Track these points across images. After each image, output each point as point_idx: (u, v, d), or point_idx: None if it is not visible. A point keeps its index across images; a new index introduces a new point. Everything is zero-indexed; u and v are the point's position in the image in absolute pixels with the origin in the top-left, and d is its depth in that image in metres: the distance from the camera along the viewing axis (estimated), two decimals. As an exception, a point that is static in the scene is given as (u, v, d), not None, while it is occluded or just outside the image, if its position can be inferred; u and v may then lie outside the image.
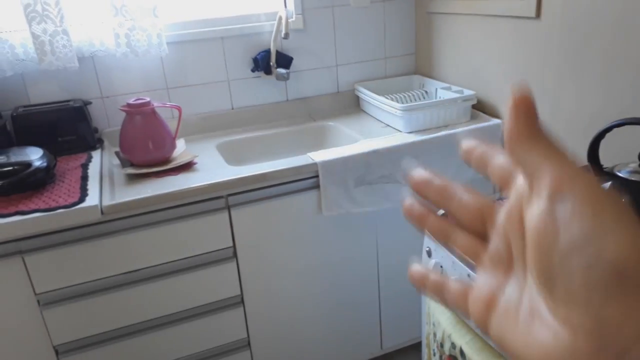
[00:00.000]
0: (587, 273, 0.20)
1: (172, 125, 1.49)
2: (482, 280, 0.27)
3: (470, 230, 0.30)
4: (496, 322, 0.25)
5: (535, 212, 0.23)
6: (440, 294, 0.30)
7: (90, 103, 1.59)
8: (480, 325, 0.27)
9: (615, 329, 0.19)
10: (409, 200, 0.33)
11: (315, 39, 1.83)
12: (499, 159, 0.28)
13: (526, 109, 0.25)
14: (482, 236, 0.29)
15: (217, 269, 1.40)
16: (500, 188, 0.28)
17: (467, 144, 0.30)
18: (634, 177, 0.85)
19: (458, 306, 0.29)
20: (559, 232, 0.21)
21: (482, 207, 0.29)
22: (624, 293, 0.19)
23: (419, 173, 0.32)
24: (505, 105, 1.59)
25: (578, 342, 0.20)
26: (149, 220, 1.29)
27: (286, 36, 1.59)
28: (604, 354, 0.19)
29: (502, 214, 0.27)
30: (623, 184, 0.85)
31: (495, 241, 0.27)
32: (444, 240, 0.31)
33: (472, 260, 0.29)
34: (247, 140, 1.72)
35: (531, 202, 0.24)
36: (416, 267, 0.32)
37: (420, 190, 0.32)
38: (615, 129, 0.85)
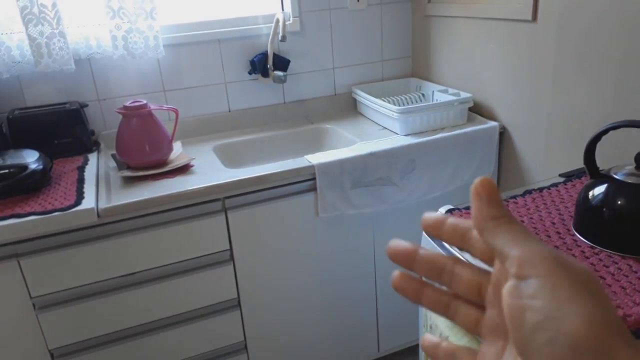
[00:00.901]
0: (551, 348, 0.22)
1: (168, 127, 1.49)
2: (484, 349, 0.29)
3: (466, 301, 0.31)
4: None
5: (506, 291, 0.25)
6: (446, 311, 0.32)
7: (86, 105, 1.58)
8: None
9: None
10: (398, 274, 0.33)
11: (312, 41, 1.83)
12: (476, 234, 0.29)
13: (488, 193, 0.27)
14: (480, 306, 0.30)
15: (214, 271, 1.40)
16: (484, 261, 0.29)
17: (429, 218, 0.31)
18: (630, 180, 0.85)
19: (468, 330, 0.31)
20: (525, 310, 0.23)
21: (477, 278, 0.30)
22: None
23: (398, 245, 0.32)
24: (502, 105, 1.60)
25: None
26: (145, 223, 1.29)
27: (283, 39, 1.59)
28: None
29: (490, 287, 0.29)
30: (619, 187, 0.85)
31: (490, 311, 0.29)
32: (443, 312, 0.32)
33: (472, 332, 0.30)
34: (244, 143, 1.71)
35: (505, 280, 0.26)
36: (428, 337, 0.33)
37: (404, 264, 0.32)
38: (611, 131, 0.85)
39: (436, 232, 0.31)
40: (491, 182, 0.28)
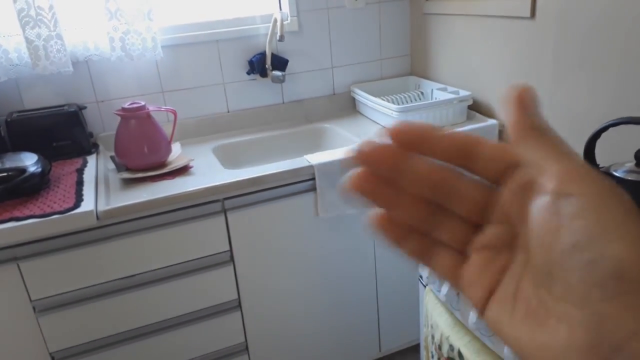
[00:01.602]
0: (587, 272, 0.20)
1: (167, 129, 1.49)
2: (480, 266, 0.26)
3: (461, 220, 0.27)
4: (494, 308, 0.25)
5: (538, 207, 0.23)
6: (427, 259, 0.28)
7: (85, 107, 1.58)
8: (475, 307, 0.26)
9: (612, 326, 0.20)
10: (376, 213, 0.29)
11: (310, 41, 1.82)
12: (486, 150, 0.26)
13: (530, 101, 0.25)
14: (475, 226, 0.27)
15: (214, 273, 1.39)
16: (491, 179, 0.26)
17: (403, 126, 0.26)
18: (630, 177, 0.85)
19: (447, 278, 0.28)
20: (560, 230, 0.21)
21: (484, 196, 0.27)
22: (623, 292, 0.20)
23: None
24: (504, 101, 1.58)
25: (573, 337, 0.20)
26: (144, 225, 1.28)
27: (281, 38, 1.59)
28: (598, 350, 0.20)
29: (507, 203, 0.26)
30: (619, 184, 0.85)
31: (497, 228, 0.26)
32: (425, 262, 0.29)
33: (450, 281, 0.28)
34: (243, 143, 1.71)
35: (535, 195, 0.23)
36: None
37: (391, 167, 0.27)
38: (611, 128, 0.85)
39: (421, 145, 0.26)
40: (533, 92, 0.25)
